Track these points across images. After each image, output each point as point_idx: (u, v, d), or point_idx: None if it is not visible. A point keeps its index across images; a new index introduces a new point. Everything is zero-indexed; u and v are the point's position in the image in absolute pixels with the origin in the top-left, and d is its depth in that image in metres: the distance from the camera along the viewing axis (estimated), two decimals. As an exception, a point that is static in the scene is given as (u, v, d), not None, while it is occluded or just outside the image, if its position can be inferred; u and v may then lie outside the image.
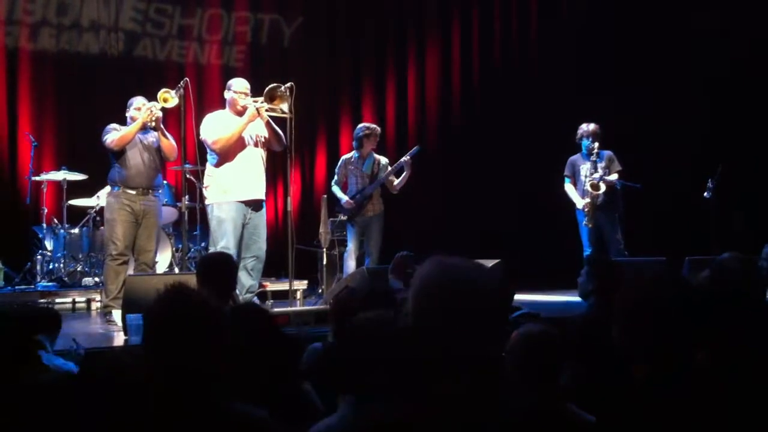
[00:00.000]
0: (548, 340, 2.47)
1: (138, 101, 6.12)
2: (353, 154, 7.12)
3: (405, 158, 6.93)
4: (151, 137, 6.12)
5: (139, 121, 5.95)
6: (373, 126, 7.17)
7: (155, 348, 1.99)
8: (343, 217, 7.24)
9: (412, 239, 8.30)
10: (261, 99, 5.97)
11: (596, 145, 7.16)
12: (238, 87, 6.06)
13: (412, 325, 1.70)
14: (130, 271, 6.02)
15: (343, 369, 1.94)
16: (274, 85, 6.02)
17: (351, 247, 7.01)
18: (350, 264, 6.95)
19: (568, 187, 7.34)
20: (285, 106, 5.98)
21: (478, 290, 1.65)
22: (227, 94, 6.10)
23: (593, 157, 7.16)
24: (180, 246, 7.22)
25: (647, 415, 1.85)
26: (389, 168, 7.05)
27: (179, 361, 1.94)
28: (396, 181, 7.04)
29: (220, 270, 3.89)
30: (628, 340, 1.98)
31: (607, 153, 7.29)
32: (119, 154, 5.99)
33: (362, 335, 1.94)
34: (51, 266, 7.48)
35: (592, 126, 7.24)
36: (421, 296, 1.69)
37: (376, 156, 7.12)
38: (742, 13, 8.91)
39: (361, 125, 7.21)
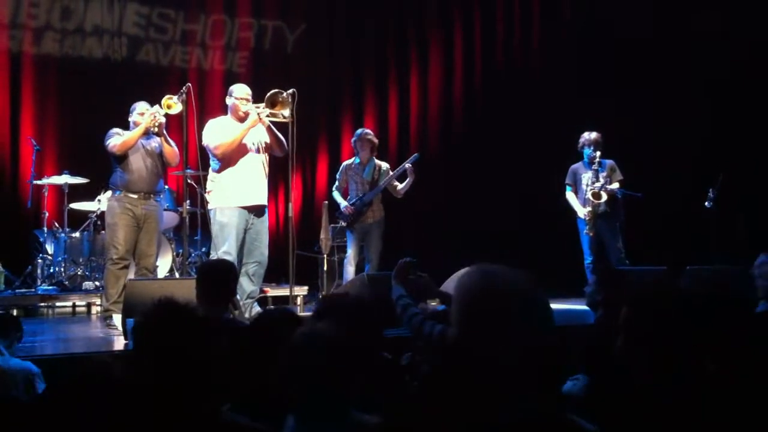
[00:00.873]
0: (546, 347, 2.47)
1: (141, 106, 6.13)
2: (354, 159, 7.12)
3: (406, 165, 6.94)
4: (154, 142, 6.12)
5: (142, 126, 5.96)
6: (364, 131, 7.15)
7: (146, 359, 1.99)
8: (343, 224, 7.24)
9: (414, 245, 8.31)
10: (263, 105, 5.98)
11: (598, 153, 7.17)
12: (240, 93, 6.08)
13: (458, 334, 1.69)
14: (131, 276, 6.02)
15: (286, 387, 1.91)
16: (276, 90, 6.04)
17: (350, 253, 7.01)
18: (349, 270, 6.95)
19: (570, 196, 7.35)
20: (286, 112, 6.00)
21: (525, 296, 1.65)
22: (229, 100, 6.11)
23: (595, 166, 7.17)
24: (181, 251, 7.22)
25: (650, 423, 1.85)
26: (390, 173, 7.06)
27: (169, 372, 1.94)
28: (400, 186, 7.05)
29: (219, 277, 3.88)
30: (631, 348, 1.98)
31: (609, 162, 7.29)
32: (121, 158, 5.99)
33: (296, 351, 1.91)
34: (51, 270, 7.49)
35: (594, 135, 7.24)
36: (465, 304, 1.67)
37: (377, 162, 7.12)
38: (743, 15, 8.90)
39: (357, 131, 7.22)
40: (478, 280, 1.67)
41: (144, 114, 6.02)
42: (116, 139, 5.96)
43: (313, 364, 1.86)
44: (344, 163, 7.22)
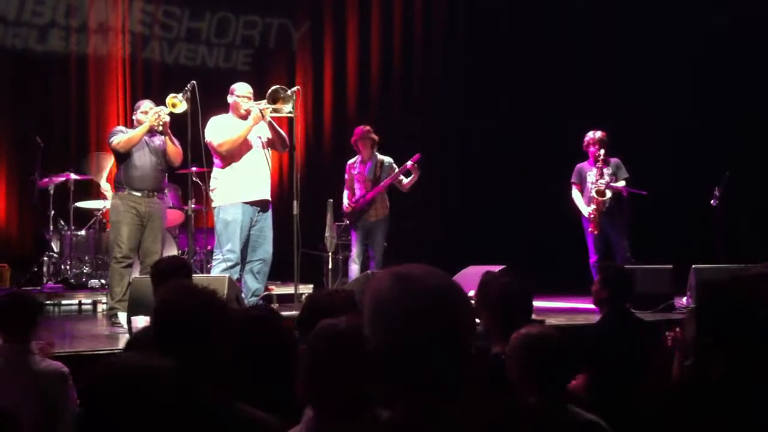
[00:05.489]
0: (547, 341, 2.48)
1: (145, 105, 6.12)
2: (356, 158, 7.12)
3: (408, 164, 6.91)
4: (158, 140, 6.12)
5: (146, 125, 5.95)
6: (366, 128, 7.13)
7: (164, 347, 1.99)
8: (347, 222, 7.24)
9: (421, 243, 8.31)
10: (264, 101, 5.99)
11: (603, 152, 7.14)
12: (241, 91, 6.09)
13: (373, 348, 1.49)
14: (135, 274, 6.02)
15: (306, 378, 1.89)
16: (278, 87, 6.06)
17: (354, 251, 7.02)
18: (353, 268, 6.96)
19: (575, 194, 7.32)
20: (289, 107, 6.00)
21: (444, 306, 1.47)
22: (230, 98, 6.12)
23: (600, 164, 7.15)
24: (186, 249, 7.23)
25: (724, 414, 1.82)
26: (394, 167, 7.04)
27: (188, 360, 1.93)
28: (405, 181, 7.05)
29: (171, 276, 3.74)
30: (704, 340, 1.94)
31: (614, 160, 7.26)
32: (125, 156, 5.99)
33: (323, 344, 1.90)
34: (57, 268, 7.50)
35: (599, 133, 7.21)
36: (377, 315, 1.48)
37: (380, 157, 7.10)
38: (750, 15, 8.86)
39: (356, 129, 7.20)
40: (390, 285, 1.48)
41: (148, 113, 6.01)
42: (120, 137, 5.96)
43: (335, 361, 1.85)
44: (348, 163, 7.22)
